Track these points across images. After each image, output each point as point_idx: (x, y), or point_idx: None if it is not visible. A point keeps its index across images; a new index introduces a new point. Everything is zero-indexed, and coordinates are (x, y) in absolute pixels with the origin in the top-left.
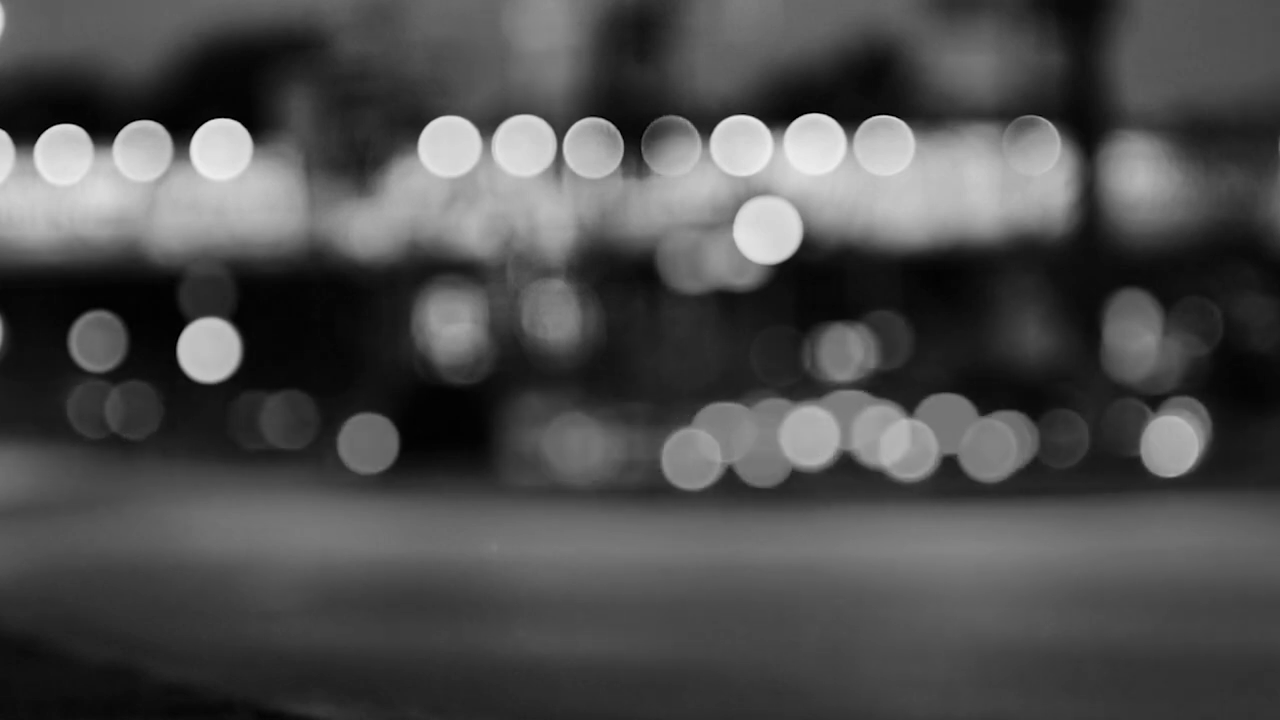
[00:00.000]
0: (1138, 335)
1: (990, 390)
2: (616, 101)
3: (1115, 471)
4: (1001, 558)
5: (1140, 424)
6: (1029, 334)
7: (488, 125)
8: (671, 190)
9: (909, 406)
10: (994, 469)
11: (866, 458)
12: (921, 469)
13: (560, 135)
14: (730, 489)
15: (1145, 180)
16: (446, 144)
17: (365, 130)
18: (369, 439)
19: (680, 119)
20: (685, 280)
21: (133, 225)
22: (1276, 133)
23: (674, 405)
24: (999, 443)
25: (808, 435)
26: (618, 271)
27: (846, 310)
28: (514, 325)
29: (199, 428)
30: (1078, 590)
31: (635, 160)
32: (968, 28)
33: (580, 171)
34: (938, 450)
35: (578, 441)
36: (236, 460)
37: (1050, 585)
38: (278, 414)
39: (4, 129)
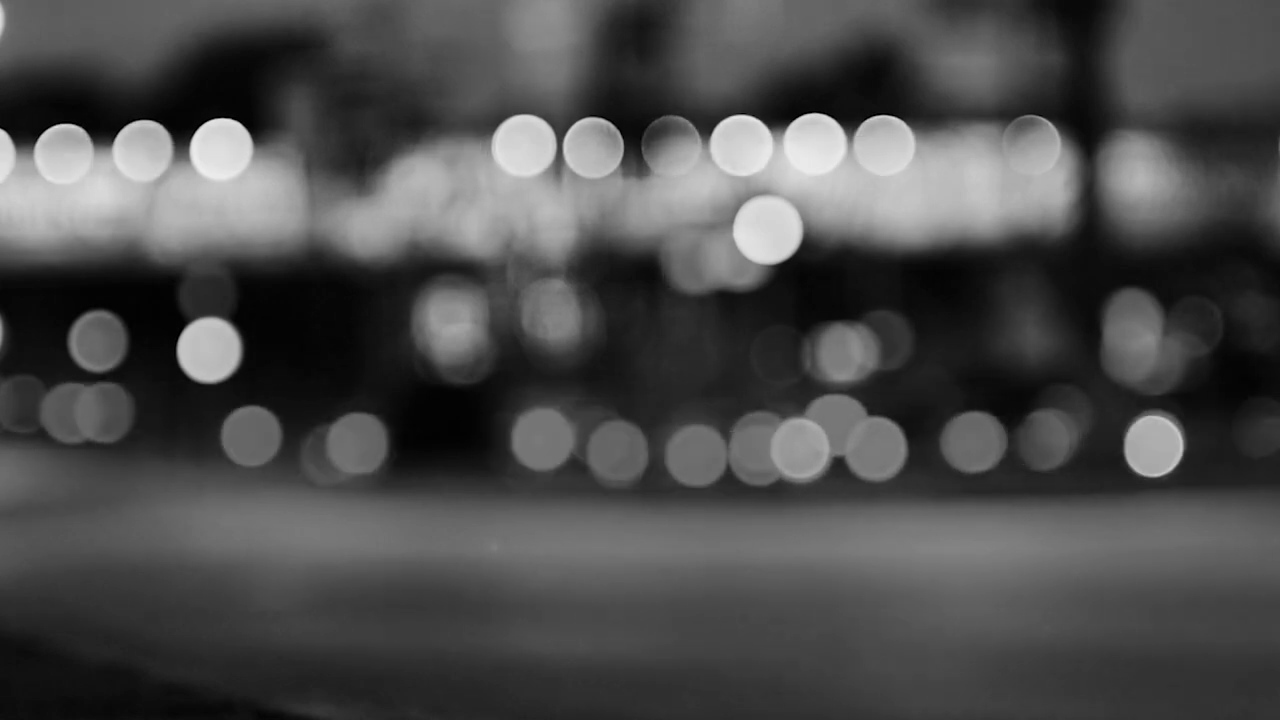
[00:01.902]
0: (1138, 335)
1: (982, 389)
2: (616, 101)
3: (1101, 472)
4: (949, 559)
5: (1131, 424)
6: (1029, 334)
7: (488, 125)
8: (671, 190)
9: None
10: (881, 469)
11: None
12: (812, 470)
13: (560, 135)
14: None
15: (1145, 180)
16: (448, 144)
17: (365, 130)
18: (253, 432)
19: (680, 119)
20: (685, 280)
21: (133, 225)
22: (1276, 133)
23: (671, 405)
24: (888, 443)
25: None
26: (618, 271)
27: (846, 310)
28: (514, 325)
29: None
30: (1060, 591)
31: (635, 160)
32: (968, 28)
33: (580, 171)
34: (829, 451)
35: (571, 439)
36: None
37: (1027, 586)
38: (101, 406)
39: (4, 129)
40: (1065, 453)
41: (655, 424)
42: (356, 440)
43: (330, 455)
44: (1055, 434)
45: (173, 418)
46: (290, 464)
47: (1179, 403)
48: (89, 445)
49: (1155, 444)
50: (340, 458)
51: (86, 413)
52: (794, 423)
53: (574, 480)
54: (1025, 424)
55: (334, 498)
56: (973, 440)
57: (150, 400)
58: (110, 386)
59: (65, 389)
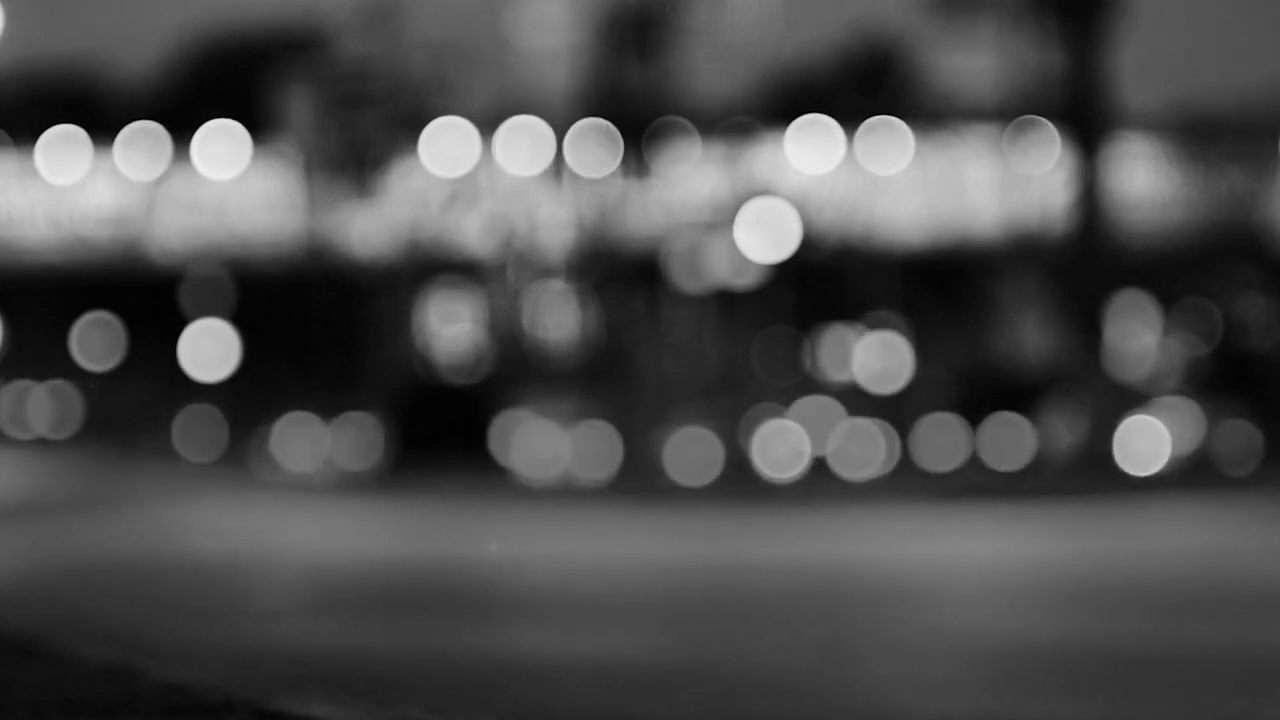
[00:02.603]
0: (1138, 335)
1: (981, 389)
2: (616, 101)
3: (1093, 471)
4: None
5: (1121, 423)
6: (1029, 334)
7: (488, 125)
8: (671, 190)
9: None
10: (862, 469)
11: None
12: (794, 470)
13: (560, 135)
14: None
15: (1145, 180)
16: (446, 144)
17: (365, 130)
18: (201, 429)
19: (680, 119)
20: (685, 280)
21: (133, 225)
22: (1276, 133)
23: (671, 405)
24: (868, 443)
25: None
26: (618, 271)
27: (846, 310)
28: (514, 325)
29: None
30: (1059, 591)
31: (635, 160)
32: (968, 28)
33: (580, 171)
34: (810, 451)
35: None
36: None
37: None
38: (44, 403)
39: (4, 129)
40: (1063, 452)
41: (654, 424)
42: (358, 438)
43: (281, 453)
44: (1053, 434)
45: (169, 416)
46: (254, 461)
47: (1178, 402)
48: (41, 442)
49: (1145, 443)
50: (340, 456)
51: (38, 410)
52: (776, 423)
53: (574, 481)
54: (1025, 424)
55: (333, 497)
56: (956, 440)
57: (154, 399)
58: (61, 384)
59: (17, 386)
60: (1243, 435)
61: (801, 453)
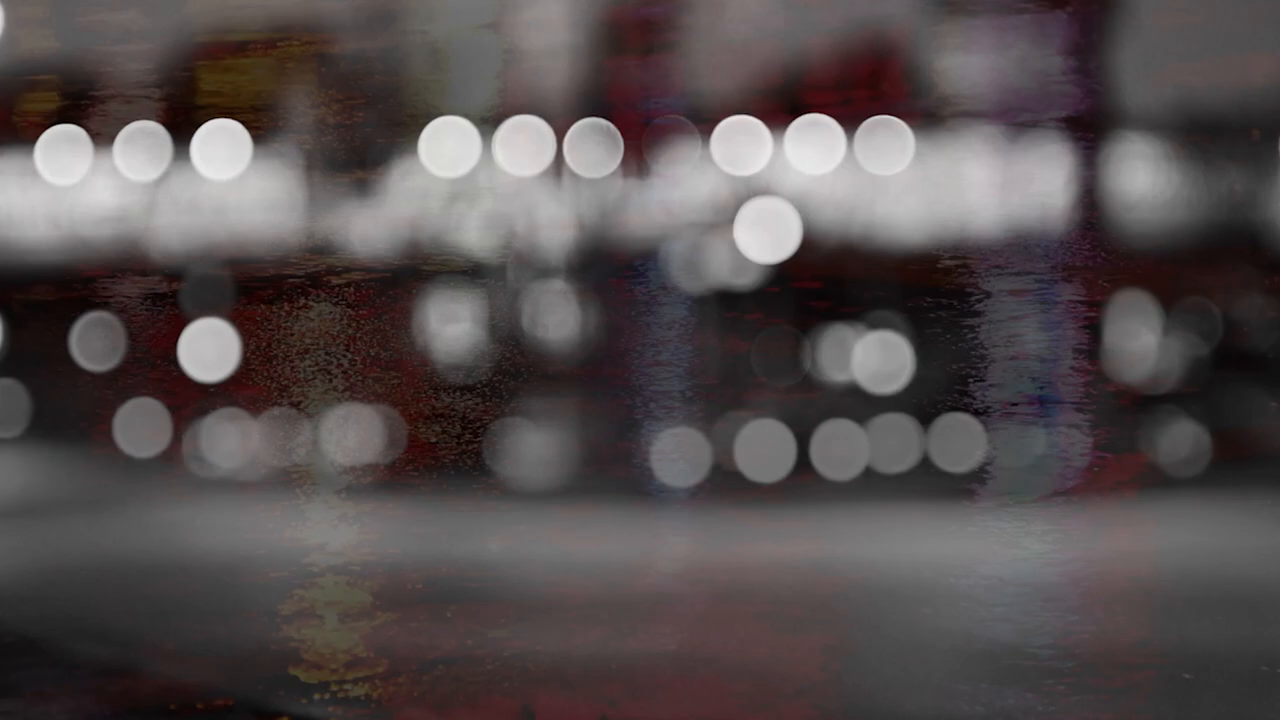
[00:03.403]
0: (1138, 335)
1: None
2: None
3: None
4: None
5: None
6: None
7: (488, 125)
8: (671, 190)
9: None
10: (847, 469)
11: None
12: (781, 470)
13: (560, 135)
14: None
15: (1145, 180)
16: (446, 144)
17: (365, 130)
18: (144, 423)
19: (680, 119)
20: (685, 280)
21: (133, 225)
22: (1277, 133)
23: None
24: (854, 443)
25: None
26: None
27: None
28: (514, 325)
29: None
30: (1059, 590)
31: (635, 160)
32: (968, 28)
33: (580, 171)
34: (796, 451)
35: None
36: None
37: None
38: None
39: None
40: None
41: (649, 424)
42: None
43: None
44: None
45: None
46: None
47: (1177, 402)
48: None
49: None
50: (343, 452)
51: None
52: (762, 423)
53: (568, 481)
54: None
55: (334, 496)
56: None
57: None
58: (8, 382)
59: None
60: (1241, 434)
61: (787, 453)
